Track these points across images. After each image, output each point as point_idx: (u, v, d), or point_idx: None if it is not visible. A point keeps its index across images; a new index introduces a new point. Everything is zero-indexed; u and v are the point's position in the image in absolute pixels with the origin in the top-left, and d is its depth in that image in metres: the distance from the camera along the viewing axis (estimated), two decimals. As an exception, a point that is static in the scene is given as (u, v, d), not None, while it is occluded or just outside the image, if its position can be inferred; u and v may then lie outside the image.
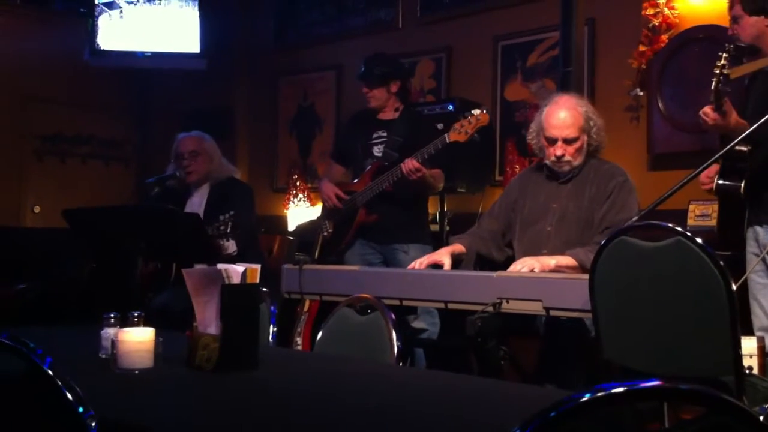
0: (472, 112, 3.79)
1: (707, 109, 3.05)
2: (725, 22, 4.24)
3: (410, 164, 3.92)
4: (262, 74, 6.87)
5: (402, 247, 4.18)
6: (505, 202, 3.53)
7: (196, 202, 4.40)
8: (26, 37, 6.94)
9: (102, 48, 6.61)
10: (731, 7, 3.25)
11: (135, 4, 6.61)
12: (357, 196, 4.24)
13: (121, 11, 6.60)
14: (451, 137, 3.79)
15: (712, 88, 2.99)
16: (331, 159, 4.69)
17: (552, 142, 3.30)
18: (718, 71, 2.97)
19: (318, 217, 4.59)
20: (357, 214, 4.24)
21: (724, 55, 2.99)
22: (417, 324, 3.99)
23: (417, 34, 5.75)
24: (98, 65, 6.72)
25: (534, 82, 5.15)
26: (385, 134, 4.29)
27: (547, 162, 3.36)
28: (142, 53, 6.63)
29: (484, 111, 3.80)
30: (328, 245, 4.39)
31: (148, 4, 6.62)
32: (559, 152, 3.28)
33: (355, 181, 4.34)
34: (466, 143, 3.84)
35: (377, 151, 4.29)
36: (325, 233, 4.37)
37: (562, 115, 3.29)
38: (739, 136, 2.87)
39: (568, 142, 3.27)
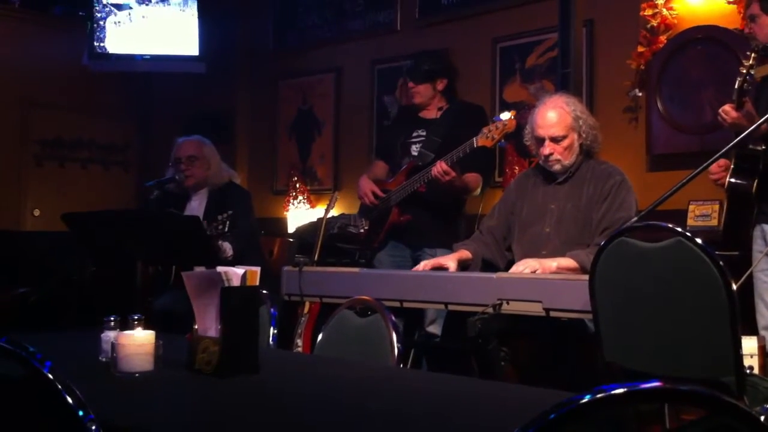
0: (501, 116, 3.75)
1: (728, 107, 3.03)
2: (724, 22, 4.27)
3: (439, 167, 3.87)
4: (261, 77, 6.87)
5: (430, 252, 4.06)
6: (504, 206, 3.54)
7: (195, 206, 4.41)
8: (25, 41, 6.94)
9: (100, 52, 6.61)
10: (748, 5, 3.23)
11: (140, 4, 6.60)
12: (391, 194, 4.18)
13: (116, 16, 6.60)
14: (479, 141, 3.76)
15: (736, 87, 2.97)
16: (375, 155, 4.61)
17: (541, 141, 3.32)
18: (745, 71, 2.95)
19: (354, 215, 4.53)
20: (390, 214, 4.19)
21: (753, 55, 2.97)
22: (432, 329, 3.96)
23: (415, 36, 5.75)
24: (97, 69, 6.71)
25: (533, 84, 5.15)
26: (424, 133, 4.23)
27: (540, 162, 3.38)
28: (141, 57, 6.62)
29: (512, 117, 3.77)
30: (362, 243, 4.36)
31: (147, 6, 6.62)
32: (546, 151, 3.30)
33: (391, 180, 4.28)
34: (492, 148, 3.82)
35: (414, 150, 4.23)
36: (361, 230, 4.33)
37: (549, 115, 3.31)
38: (759, 136, 2.86)
39: (555, 140, 3.29)
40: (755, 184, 3.04)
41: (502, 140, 3.80)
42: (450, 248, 4.03)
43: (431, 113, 4.27)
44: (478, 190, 4.20)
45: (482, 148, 3.77)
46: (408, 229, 4.16)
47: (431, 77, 4.21)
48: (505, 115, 3.76)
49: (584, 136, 3.31)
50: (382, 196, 4.21)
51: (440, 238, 4.10)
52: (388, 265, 4.14)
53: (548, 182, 3.41)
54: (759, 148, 2.99)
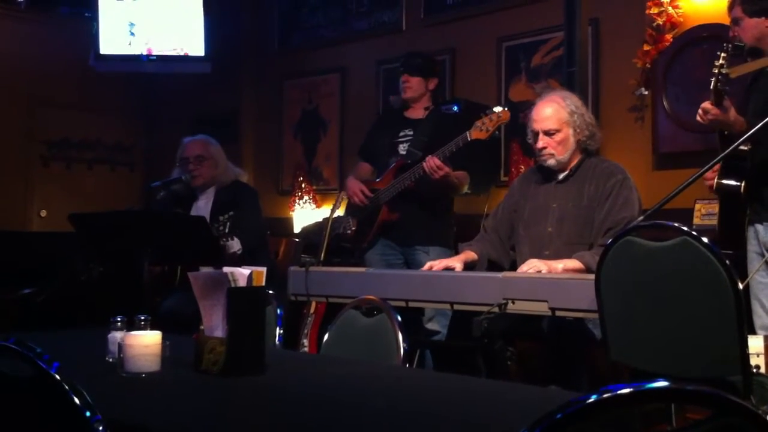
0: (494, 109, 3.79)
1: (707, 104, 3.04)
2: (729, 20, 4.25)
3: (432, 162, 3.88)
4: (267, 77, 6.87)
5: (423, 249, 4.11)
6: (507, 205, 3.54)
7: (202, 206, 4.42)
8: (31, 41, 6.96)
9: (106, 52, 6.60)
10: (731, 8, 3.24)
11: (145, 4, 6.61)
12: (380, 193, 4.20)
13: (122, 17, 6.60)
14: (472, 135, 3.78)
15: (711, 87, 2.99)
16: (359, 157, 4.64)
17: (535, 135, 3.35)
18: (716, 71, 2.97)
19: (341, 215, 4.56)
20: (380, 212, 4.20)
21: (722, 54, 3.00)
22: (431, 326, 3.97)
23: (421, 36, 5.75)
24: (103, 70, 6.72)
25: (539, 83, 5.14)
26: (411, 133, 4.26)
27: (537, 158, 3.42)
28: (147, 57, 6.63)
29: (505, 108, 3.81)
30: (351, 243, 4.37)
31: (152, 6, 6.63)
32: (539, 144, 3.34)
33: (379, 179, 4.30)
34: (487, 141, 3.84)
35: (402, 149, 4.26)
36: (348, 231, 4.35)
37: (544, 109, 3.36)
38: (739, 132, 2.87)
39: (549, 134, 3.32)
40: (743, 185, 3.05)
41: (497, 132, 3.83)
42: (443, 245, 4.09)
43: (417, 113, 4.31)
44: (465, 187, 4.21)
45: (477, 141, 3.79)
46: (398, 227, 4.18)
47: (424, 72, 4.25)
48: (498, 108, 3.79)
49: (579, 131, 3.32)
50: (370, 196, 4.24)
51: (432, 235, 4.14)
52: (379, 264, 4.15)
53: (549, 181, 3.42)
54: (745, 148, 3.00)
